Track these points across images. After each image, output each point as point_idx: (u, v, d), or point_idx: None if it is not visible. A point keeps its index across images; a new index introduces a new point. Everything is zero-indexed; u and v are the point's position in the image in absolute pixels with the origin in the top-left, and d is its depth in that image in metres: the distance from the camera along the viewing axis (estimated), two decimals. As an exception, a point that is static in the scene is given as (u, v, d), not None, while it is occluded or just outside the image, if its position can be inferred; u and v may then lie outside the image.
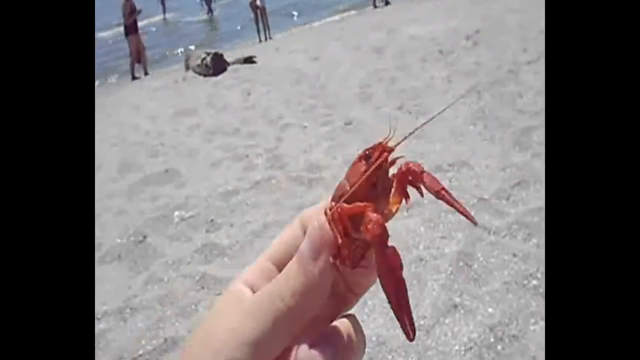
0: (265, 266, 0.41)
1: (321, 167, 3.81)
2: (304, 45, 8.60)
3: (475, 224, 0.38)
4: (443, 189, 0.37)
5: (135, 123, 6.05)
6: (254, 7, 11.71)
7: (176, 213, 3.52)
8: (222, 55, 8.12)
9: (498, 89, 4.58)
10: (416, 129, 0.43)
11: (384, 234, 0.34)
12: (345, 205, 0.36)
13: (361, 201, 0.36)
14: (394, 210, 0.39)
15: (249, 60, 8.08)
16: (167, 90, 7.59)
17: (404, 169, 0.39)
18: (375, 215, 0.35)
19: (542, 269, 2.35)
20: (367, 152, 0.39)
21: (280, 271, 0.40)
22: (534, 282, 2.28)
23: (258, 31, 11.83)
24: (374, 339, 2.13)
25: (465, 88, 4.80)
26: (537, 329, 2.06)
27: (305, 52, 7.87)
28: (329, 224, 0.36)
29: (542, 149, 3.43)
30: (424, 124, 0.49)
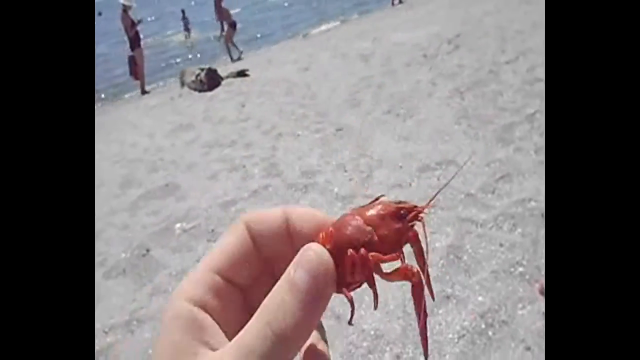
0: (210, 278, 0.35)
1: (315, 172, 3.86)
2: (294, 56, 8.67)
3: (433, 299, 0.40)
4: (424, 261, 0.40)
5: (134, 140, 6.09)
6: (222, 20, 11.35)
7: (177, 225, 3.55)
8: (215, 70, 8.18)
9: (480, 89, 4.65)
10: (441, 189, 0.46)
11: (423, 285, 0.37)
12: (377, 254, 0.36)
13: (381, 250, 0.37)
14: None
15: (241, 73, 8.14)
16: (163, 107, 7.64)
17: (410, 273, 0.38)
18: (412, 267, 0.37)
19: (527, 256, 2.40)
20: (402, 211, 0.38)
21: (226, 282, 0.36)
22: (520, 269, 2.33)
23: (228, 49, 11.32)
24: (372, 332, 2.17)
25: (449, 89, 4.87)
26: (525, 314, 2.10)
27: (295, 63, 7.94)
28: (332, 255, 0.35)
29: (523, 144, 3.49)
30: (446, 183, 0.52)
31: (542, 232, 2.55)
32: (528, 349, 1.95)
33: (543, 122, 3.71)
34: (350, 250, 0.36)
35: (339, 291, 0.37)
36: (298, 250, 0.34)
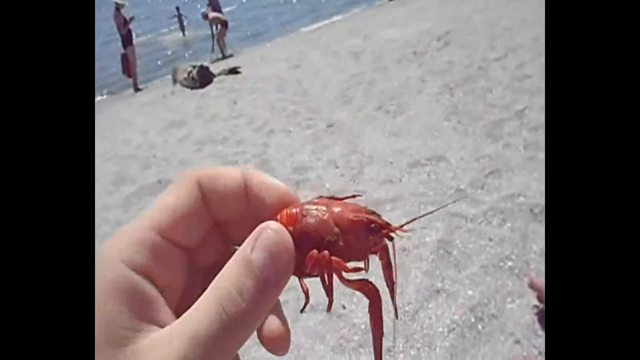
0: (151, 238, 0.31)
1: (307, 168, 3.84)
2: (286, 53, 8.62)
3: (396, 317, 0.40)
4: (392, 283, 0.39)
5: (126, 137, 6.03)
6: (210, 20, 11.26)
7: (170, 221, 3.52)
8: (207, 68, 8.11)
9: (469, 86, 4.66)
10: (419, 217, 0.45)
11: (381, 302, 0.36)
12: (340, 261, 0.35)
13: (345, 257, 0.36)
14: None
15: (233, 71, 8.09)
16: (156, 104, 7.57)
17: (370, 290, 0.37)
18: (372, 283, 0.35)
19: (517, 251, 2.41)
20: (374, 225, 0.37)
21: (169, 243, 0.31)
22: (510, 263, 2.34)
23: (212, 47, 11.29)
24: (362, 327, 2.17)
25: (439, 86, 4.87)
26: (514, 307, 2.11)
27: (287, 60, 7.90)
28: (293, 237, 0.32)
29: (512, 140, 3.50)
30: (426, 214, 0.50)
31: (531, 226, 2.56)
32: (517, 342, 1.95)
33: (532, 118, 3.73)
34: (314, 251, 0.34)
35: (296, 275, 0.35)
36: (256, 221, 0.31)
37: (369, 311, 0.36)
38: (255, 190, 0.35)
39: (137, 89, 9.89)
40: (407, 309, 2.21)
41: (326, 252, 0.34)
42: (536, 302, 2.05)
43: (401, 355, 2.02)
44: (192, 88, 7.81)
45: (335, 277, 0.36)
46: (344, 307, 2.30)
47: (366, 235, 0.36)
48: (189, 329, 0.28)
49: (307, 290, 0.36)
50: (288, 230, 0.32)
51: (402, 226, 0.38)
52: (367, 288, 0.35)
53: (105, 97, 10.48)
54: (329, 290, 0.36)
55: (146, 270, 0.30)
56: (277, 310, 0.34)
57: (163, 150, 5.20)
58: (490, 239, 2.53)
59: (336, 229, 0.36)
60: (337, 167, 3.74)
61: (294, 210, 0.36)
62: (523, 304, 2.11)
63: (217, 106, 6.35)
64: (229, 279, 0.29)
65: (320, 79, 6.25)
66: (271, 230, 0.30)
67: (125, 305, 0.28)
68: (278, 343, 0.33)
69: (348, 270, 0.35)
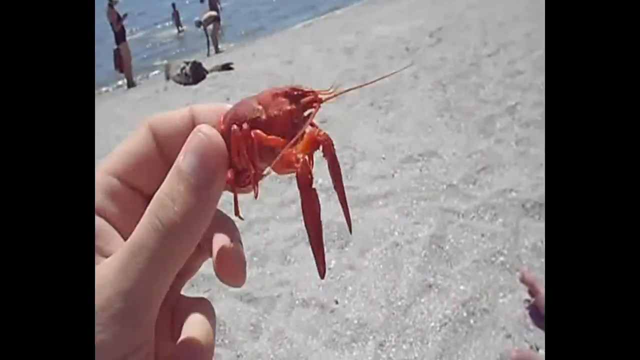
0: (107, 182, 0.32)
1: (299, 164, 3.81)
2: (278, 49, 8.56)
3: (350, 232, 0.37)
4: (341, 182, 0.36)
5: (119, 133, 5.96)
6: (204, 22, 11.23)
7: (163, 217, 3.48)
8: (200, 64, 8.04)
9: (462, 82, 4.64)
10: (352, 89, 0.39)
11: (311, 176, 0.32)
12: (260, 132, 0.33)
13: (272, 133, 0.33)
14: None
15: (226, 67, 8.02)
16: (149, 100, 7.49)
17: (321, 137, 0.35)
18: (302, 155, 0.32)
19: (508, 246, 2.40)
20: (297, 92, 0.35)
21: (126, 186, 0.32)
22: (501, 258, 2.33)
23: (208, 44, 11.25)
24: (355, 322, 2.15)
25: (431, 82, 4.85)
26: (506, 302, 2.10)
27: (279, 56, 7.85)
28: (225, 139, 0.31)
29: (504, 135, 3.49)
30: (363, 85, 0.46)
31: (523, 221, 2.55)
32: (509, 336, 1.95)
33: (523, 114, 3.72)
34: (234, 126, 0.32)
35: (231, 189, 0.33)
36: None
37: (298, 186, 0.32)
38: (202, 120, 0.34)
39: (131, 85, 9.81)
40: (399, 303, 2.20)
41: (245, 124, 0.33)
42: (527, 297, 2.04)
43: (393, 349, 2.01)
44: (185, 84, 7.74)
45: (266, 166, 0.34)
46: (336, 302, 2.28)
47: (290, 104, 0.34)
48: (128, 242, 0.28)
49: (236, 195, 0.34)
50: (219, 131, 0.31)
51: (328, 92, 0.36)
52: (294, 159, 0.32)
53: (98, 93, 10.37)
54: (252, 167, 0.32)
55: (100, 209, 0.31)
56: (232, 235, 0.33)
57: (155, 146, 5.14)
58: (482, 234, 2.52)
59: (259, 107, 0.34)
60: (329, 163, 3.71)
61: (225, 113, 0.35)
62: (515, 298, 2.10)
63: (210, 102, 6.29)
64: (163, 189, 0.29)
65: (312, 75, 6.21)
66: (200, 133, 0.30)
67: None
68: (229, 268, 0.31)
69: (272, 144, 0.33)
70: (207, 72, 7.96)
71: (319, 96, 0.35)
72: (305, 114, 0.35)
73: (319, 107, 0.35)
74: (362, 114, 4.52)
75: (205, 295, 2.59)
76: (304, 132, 0.34)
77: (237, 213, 0.36)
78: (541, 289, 1.94)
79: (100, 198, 0.31)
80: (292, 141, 0.33)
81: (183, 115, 0.35)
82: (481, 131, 3.62)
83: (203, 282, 2.66)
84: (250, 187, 0.34)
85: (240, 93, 6.29)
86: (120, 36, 9.61)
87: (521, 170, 3.00)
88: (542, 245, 2.35)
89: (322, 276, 0.32)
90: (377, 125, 4.19)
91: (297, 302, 2.33)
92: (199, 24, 11.58)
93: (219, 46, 11.33)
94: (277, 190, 3.50)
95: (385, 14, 9.08)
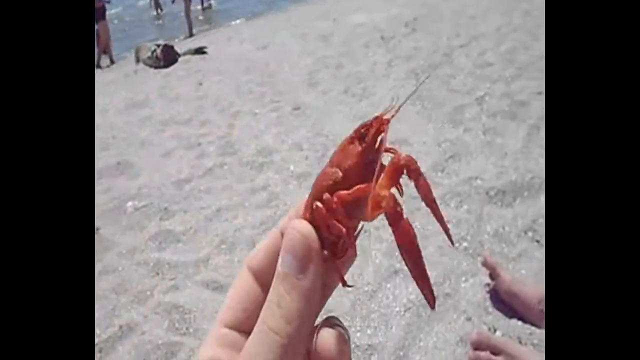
0: (220, 334, 0.34)
1: (271, 151, 3.79)
2: (254, 34, 8.42)
3: (453, 245, 0.38)
4: (434, 200, 0.35)
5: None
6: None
7: (129, 203, 3.40)
8: (172, 47, 7.83)
9: (434, 71, 4.68)
10: (408, 97, 0.40)
11: (400, 207, 0.31)
12: (340, 193, 0.31)
13: (353, 184, 0.32)
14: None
15: (199, 51, 7.84)
16: (117, 84, 7.26)
17: (401, 161, 0.33)
18: (385, 191, 0.31)
19: (472, 232, 2.46)
20: (362, 131, 0.33)
21: (241, 333, 0.34)
22: (465, 244, 2.39)
23: (189, 24, 11.06)
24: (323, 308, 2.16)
25: (405, 71, 4.87)
26: (468, 286, 2.16)
27: (255, 41, 7.73)
28: (312, 221, 0.31)
29: (472, 125, 3.56)
30: (414, 91, 0.45)
31: (486, 208, 2.61)
32: (469, 319, 2.00)
33: (491, 105, 3.79)
34: (315, 204, 0.31)
35: (332, 264, 0.32)
36: None
37: (389, 225, 0.31)
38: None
39: (112, 62, 9.52)
40: (365, 289, 2.22)
41: (326, 194, 0.31)
42: (488, 280, 2.10)
43: (358, 334, 2.03)
44: (156, 67, 7.53)
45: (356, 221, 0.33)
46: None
47: (359, 144, 0.33)
48: (242, 353, 0.30)
49: (340, 270, 0.34)
50: (306, 218, 0.31)
51: (391, 109, 0.35)
52: (378, 198, 0.31)
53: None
54: (347, 235, 0.32)
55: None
56: (334, 326, 0.35)
57: (123, 131, 4.99)
58: (448, 221, 2.55)
59: (332, 169, 0.33)
60: (301, 150, 3.69)
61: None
62: (476, 282, 2.16)
63: (182, 86, 6.15)
64: (268, 297, 0.30)
65: (288, 61, 6.14)
66: (290, 229, 0.31)
67: None
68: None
69: (356, 196, 0.32)
70: (180, 56, 7.76)
71: (385, 117, 0.34)
72: (377, 144, 0.34)
73: (387, 128, 0.34)
74: (337, 101, 4.51)
75: (170, 284, 2.55)
76: (383, 166, 0.33)
77: (344, 284, 0.36)
78: (501, 272, 2.00)
79: (212, 351, 0.33)
80: (373, 182, 0.31)
81: (273, 239, 0.35)
82: (451, 121, 3.67)
83: (168, 269, 2.63)
84: (349, 251, 0.34)
85: (213, 78, 6.17)
86: (99, 15, 9.24)
87: (487, 158, 3.06)
88: (503, 231, 2.42)
89: (433, 307, 0.32)
90: (351, 113, 4.19)
91: (264, 287, 2.33)
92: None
93: (193, 30, 11.07)
94: (247, 177, 3.47)
95: (364, 2, 9.04)
